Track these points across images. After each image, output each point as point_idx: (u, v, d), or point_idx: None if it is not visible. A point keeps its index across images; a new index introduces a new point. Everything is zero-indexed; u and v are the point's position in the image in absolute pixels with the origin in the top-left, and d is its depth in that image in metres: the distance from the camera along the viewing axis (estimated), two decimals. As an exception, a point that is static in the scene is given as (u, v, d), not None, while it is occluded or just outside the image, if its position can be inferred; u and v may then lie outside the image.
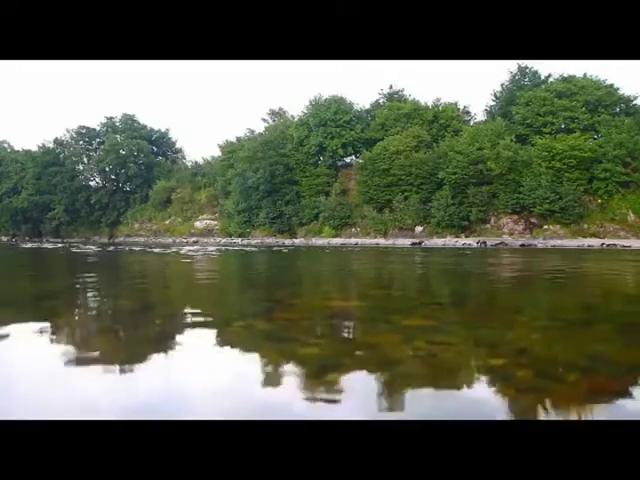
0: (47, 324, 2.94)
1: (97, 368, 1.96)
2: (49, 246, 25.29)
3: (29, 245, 28.47)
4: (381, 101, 45.83)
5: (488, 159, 33.33)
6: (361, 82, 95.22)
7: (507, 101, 39.97)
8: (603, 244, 28.05)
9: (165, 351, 2.31)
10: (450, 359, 2.16)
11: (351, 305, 4.05)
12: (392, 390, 1.74)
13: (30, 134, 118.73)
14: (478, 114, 44.57)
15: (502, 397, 1.69)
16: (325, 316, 3.40)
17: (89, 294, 4.66)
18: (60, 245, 27.03)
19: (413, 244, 30.98)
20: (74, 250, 18.40)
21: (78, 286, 5.45)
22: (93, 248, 21.08)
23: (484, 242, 30.77)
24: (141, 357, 2.17)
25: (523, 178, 33.36)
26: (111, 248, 21.56)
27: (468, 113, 43.69)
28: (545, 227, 33.08)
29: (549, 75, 40.52)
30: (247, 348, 2.38)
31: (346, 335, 2.82)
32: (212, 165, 50.70)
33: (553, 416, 1.50)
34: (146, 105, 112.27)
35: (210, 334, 2.72)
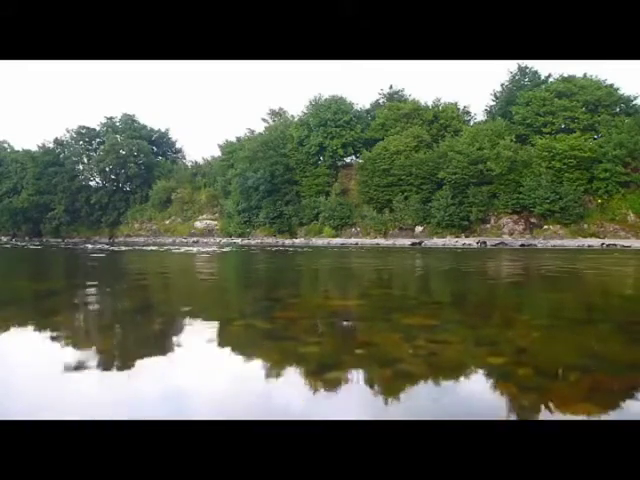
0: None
1: (97, 367, 1.96)
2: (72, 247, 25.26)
3: (69, 247, 28.45)
4: (381, 101, 45.85)
5: (488, 159, 33.34)
6: (361, 82, 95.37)
7: (507, 101, 39.98)
8: (603, 244, 28.06)
9: (164, 350, 2.31)
10: (450, 358, 2.16)
11: (351, 304, 4.05)
12: (392, 389, 1.74)
13: (30, 134, 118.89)
14: (478, 114, 44.65)
15: (502, 396, 1.69)
16: (325, 315, 3.40)
17: (86, 291, 4.66)
18: (72, 246, 27.02)
19: (413, 244, 30.98)
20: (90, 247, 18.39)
21: (86, 284, 5.45)
22: (105, 247, 21.10)
23: (484, 242, 30.78)
24: (140, 356, 2.17)
25: (523, 178, 33.38)
26: (125, 248, 21.57)
27: (468, 113, 43.69)
28: (545, 227, 33.10)
29: (549, 75, 40.58)
30: (247, 347, 2.38)
31: (346, 334, 2.82)
32: (212, 165, 50.70)
33: (553, 416, 1.50)
34: (146, 105, 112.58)
35: (210, 333, 2.72)
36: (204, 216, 48.14)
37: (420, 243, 31.70)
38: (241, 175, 41.54)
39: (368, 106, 45.79)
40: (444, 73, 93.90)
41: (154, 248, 21.57)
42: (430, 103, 42.81)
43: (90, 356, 2.16)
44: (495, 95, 42.71)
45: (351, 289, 5.69)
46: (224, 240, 40.42)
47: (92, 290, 5.02)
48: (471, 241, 31.56)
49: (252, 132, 49.37)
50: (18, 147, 60.63)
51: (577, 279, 7.04)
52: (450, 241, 32.18)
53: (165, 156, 58.02)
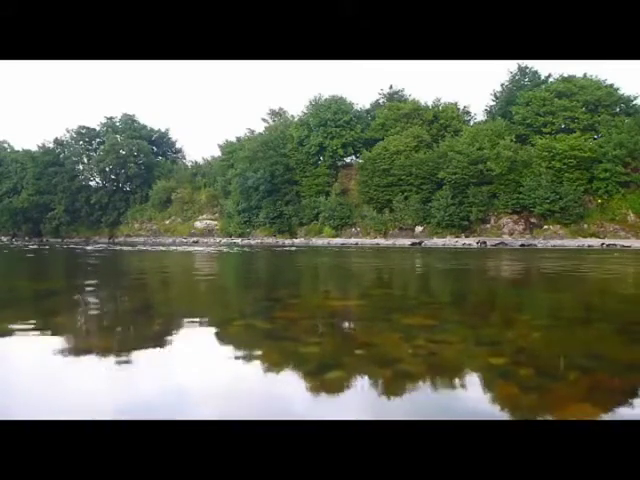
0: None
1: (97, 367, 1.96)
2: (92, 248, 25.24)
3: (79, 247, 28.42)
4: (381, 101, 45.83)
5: (488, 159, 33.33)
6: (361, 82, 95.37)
7: (507, 101, 39.97)
8: (603, 244, 28.06)
9: (165, 350, 2.31)
10: (450, 358, 2.16)
11: (351, 304, 4.05)
12: (392, 389, 1.74)
13: (30, 134, 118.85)
14: (478, 114, 44.60)
15: (503, 396, 1.69)
16: (325, 315, 3.40)
17: (90, 291, 4.66)
18: (73, 246, 27.00)
19: (413, 244, 30.98)
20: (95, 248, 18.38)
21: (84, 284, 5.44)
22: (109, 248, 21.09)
23: (484, 242, 30.77)
24: (140, 355, 2.17)
25: (523, 178, 33.37)
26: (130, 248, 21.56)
27: (468, 113, 43.66)
28: (545, 227, 33.08)
29: (549, 75, 40.58)
30: (247, 347, 2.38)
31: (346, 334, 2.82)
32: (212, 165, 50.66)
33: (553, 416, 1.50)
34: (146, 105, 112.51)
35: (210, 333, 2.72)
36: (204, 216, 48.11)
37: (420, 243, 31.69)
38: (241, 175, 41.52)
39: (368, 106, 45.79)
40: (444, 73, 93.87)
41: (154, 248, 21.58)
42: (430, 103, 42.78)
43: (90, 356, 2.16)
44: (495, 95, 42.70)
45: (351, 289, 5.69)
46: (224, 240, 40.41)
47: (92, 290, 5.02)
48: (471, 241, 31.55)
49: (252, 132, 49.35)
50: (18, 147, 60.59)
51: (577, 279, 7.03)
52: (450, 241, 32.16)
53: (165, 156, 57.99)
